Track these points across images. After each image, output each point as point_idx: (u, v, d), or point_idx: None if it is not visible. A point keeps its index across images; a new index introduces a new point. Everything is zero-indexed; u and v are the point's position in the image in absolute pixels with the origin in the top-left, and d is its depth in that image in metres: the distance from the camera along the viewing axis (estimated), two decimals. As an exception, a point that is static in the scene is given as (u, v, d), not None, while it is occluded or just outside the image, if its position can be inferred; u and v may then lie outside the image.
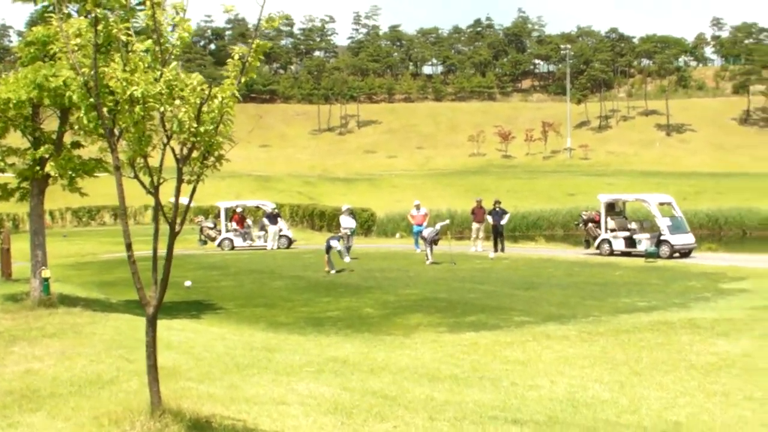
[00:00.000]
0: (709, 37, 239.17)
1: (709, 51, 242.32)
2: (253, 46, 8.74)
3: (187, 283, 28.32)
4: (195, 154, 9.00)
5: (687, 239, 36.69)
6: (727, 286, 26.33)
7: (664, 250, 35.32)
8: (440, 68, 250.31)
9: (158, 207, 9.44)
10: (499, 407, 11.97)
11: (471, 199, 48.32)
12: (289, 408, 11.23)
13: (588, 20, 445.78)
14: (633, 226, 38.17)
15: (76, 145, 20.12)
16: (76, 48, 8.76)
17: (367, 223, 57.21)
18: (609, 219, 38.28)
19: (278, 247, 44.82)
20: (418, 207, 42.49)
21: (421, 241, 39.13)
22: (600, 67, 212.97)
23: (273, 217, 46.53)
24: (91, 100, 8.59)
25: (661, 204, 38.07)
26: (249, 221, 48.49)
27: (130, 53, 8.60)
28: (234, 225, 47.08)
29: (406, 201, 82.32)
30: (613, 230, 38.05)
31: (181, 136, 8.80)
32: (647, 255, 34.68)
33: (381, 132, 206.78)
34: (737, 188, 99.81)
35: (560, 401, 12.42)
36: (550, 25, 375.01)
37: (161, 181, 9.26)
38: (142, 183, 9.30)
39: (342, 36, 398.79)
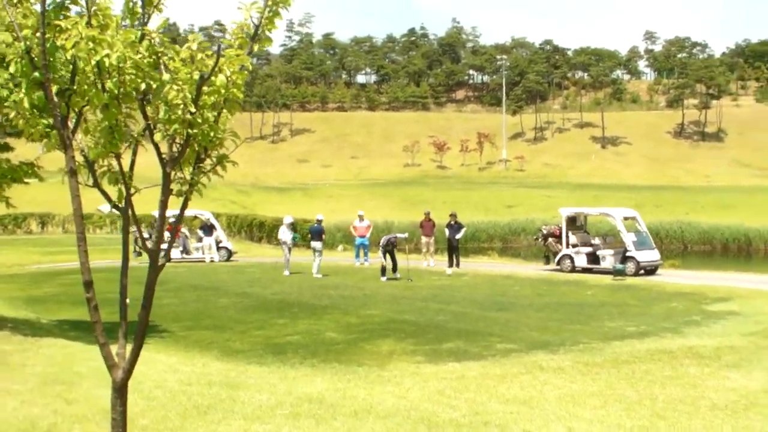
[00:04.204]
0: (642, 51, 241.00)
1: (642, 64, 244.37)
2: (269, 2, 6.44)
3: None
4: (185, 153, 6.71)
5: (653, 256, 35.15)
6: (712, 309, 24.77)
7: (630, 267, 33.68)
8: (374, 77, 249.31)
9: (127, 227, 7.23)
10: (522, 466, 9.92)
11: (407, 211, 46.79)
12: (275, 476, 9.06)
13: (522, 32, 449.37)
14: (596, 241, 36.52)
15: (5, 147, 17.63)
16: (14, 0, 6.40)
17: (308, 235, 54.86)
18: (570, 234, 36.54)
19: (218, 260, 42.62)
20: (361, 218, 40.64)
21: (372, 252, 37.47)
22: (535, 78, 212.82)
23: (208, 228, 44.37)
24: (36, 74, 6.20)
25: (626, 218, 36.47)
26: (185, 231, 46.16)
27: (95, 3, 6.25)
28: (168, 235, 44.81)
29: (342, 211, 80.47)
30: (575, 245, 36.32)
31: (171, 127, 6.46)
32: (615, 272, 32.97)
33: (314, 141, 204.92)
34: (674, 201, 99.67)
35: (588, 456, 10.40)
36: (485, 36, 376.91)
37: (132, 191, 7.05)
38: (105, 194, 7.02)
39: (275, 43, 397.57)
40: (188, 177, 6.77)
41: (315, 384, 14.87)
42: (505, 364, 16.70)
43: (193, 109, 6.25)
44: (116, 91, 6.13)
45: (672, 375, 15.45)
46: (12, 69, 6.09)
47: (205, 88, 6.28)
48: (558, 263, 36.37)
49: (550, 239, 37.34)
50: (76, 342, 18.67)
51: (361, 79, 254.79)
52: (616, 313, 23.90)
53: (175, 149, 6.61)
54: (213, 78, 6.22)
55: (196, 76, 6.28)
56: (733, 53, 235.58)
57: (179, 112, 6.25)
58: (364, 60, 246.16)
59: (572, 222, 37.32)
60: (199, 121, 6.30)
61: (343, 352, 18.40)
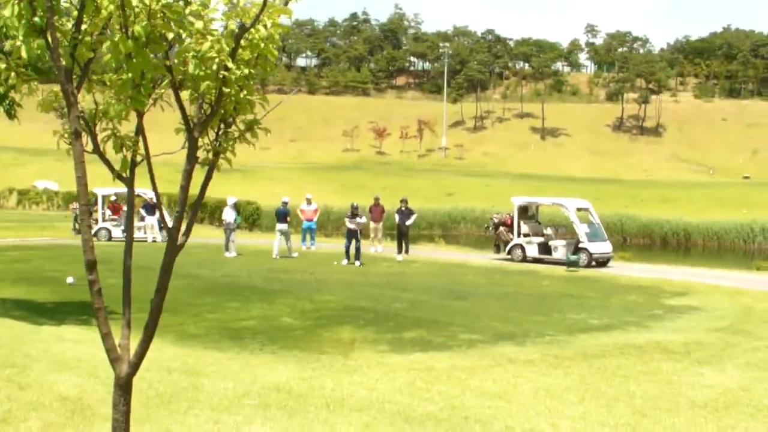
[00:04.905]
0: (583, 44, 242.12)
1: (583, 57, 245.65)
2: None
3: (70, 280, 24.95)
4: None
5: (605, 247, 34.90)
6: (672, 303, 24.55)
7: (583, 258, 33.37)
8: (314, 61, 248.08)
9: (132, 201, 6.48)
10: (513, 466, 9.36)
11: (347, 195, 46.25)
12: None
13: (465, 20, 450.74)
14: (548, 231, 36.14)
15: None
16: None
17: (252, 217, 54.06)
18: (522, 223, 36.14)
19: (161, 240, 41.67)
20: (309, 201, 39.88)
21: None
22: (476, 67, 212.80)
23: (151, 207, 43.44)
24: (37, 19, 5.29)
25: (579, 209, 36.16)
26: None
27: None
28: (110, 214, 43.93)
29: (282, 195, 79.39)
30: (526, 235, 35.94)
31: (203, 84, 5.69)
32: (569, 263, 32.64)
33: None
34: (614, 194, 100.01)
35: (578, 455, 9.88)
36: (427, 23, 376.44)
37: (139, 160, 6.30)
38: (107, 162, 6.23)
39: (215, 23, 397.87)
40: (214, 144, 6.03)
41: (279, 372, 14.22)
42: (472, 356, 16.18)
43: (230, 64, 5.48)
44: (144, 38, 5.33)
45: (644, 370, 15.03)
46: (6, 12, 5.26)
47: (242, 41, 5.52)
48: (509, 252, 36.00)
49: (501, 228, 36.90)
50: (21, 322, 17.86)
51: (301, 62, 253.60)
52: (577, 305, 23.54)
53: (204, 111, 5.85)
54: (252, 30, 5.46)
55: (232, 25, 5.51)
56: (673, 49, 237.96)
57: (214, 66, 5.47)
58: (305, 43, 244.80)
59: (524, 211, 36.98)
60: (233, 78, 5.52)
61: (302, 339, 17.75)
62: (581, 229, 34.28)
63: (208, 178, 6.18)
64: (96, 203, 44.54)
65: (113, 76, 5.60)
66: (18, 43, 5.38)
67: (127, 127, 6.18)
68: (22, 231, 45.08)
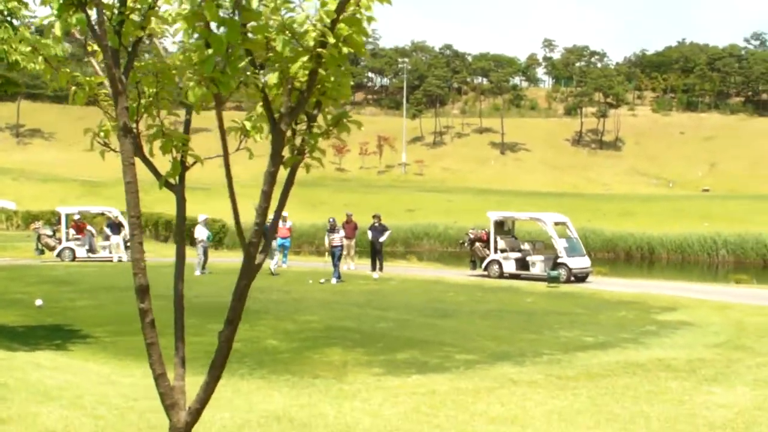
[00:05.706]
0: (540, 58, 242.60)
1: (540, 72, 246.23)
2: None
3: (38, 302, 24.01)
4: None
5: (584, 262, 34.44)
6: (663, 318, 24.19)
7: (562, 273, 32.77)
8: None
9: (183, 211, 5.69)
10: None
11: (308, 212, 45.65)
12: None
13: (422, 35, 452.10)
14: (526, 247, 35.57)
15: None
16: None
17: (218, 235, 53.18)
18: (499, 239, 35.55)
19: (127, 259, 40.69)
20: (284, 219, 38.98)
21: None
22: (435, 82, 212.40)
23: (115, 227, 42.53)
24: None
25: (556, 224, 35.65)
26: (92, 229, 44.18)
27: None
28: (74, 233, 42.88)
29: (243, 212, 78.13)
30: (503, 251, 35.34)
31: (295, 65, 4.87)
32: (550, 279, 32.06)
33: (211, 139, 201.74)
34: (575, 208, 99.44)
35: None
36: (385, 39, 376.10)
37: (189, 163, 5.52)
38: (151, 166, 5.46)
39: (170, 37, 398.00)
40: (296, 141, 5.19)
41: (274, 399, 13.47)
42: (473, 378, 15.49)
43: (331, 39, 4.66)
44: (233, 4, 4.49)
45: (654, 390, 14.47)
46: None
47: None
48: (485, 268, 35.44)
49: (477, 244, 36.32)
50: (11, 351, 16.92)
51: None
52: (567, 322, 23.04)
53: (293, 98, 4.99)
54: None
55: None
56: (630, 63, 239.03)
57: (310, 42, 4.64)
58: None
59: (500, 226, 36.41)
60: (329, 55, 4.67)
61: (291, 362, 16.96)
62: (560, 244, 33.80)
63: (289, 182, 5.31)
64: (59, 222, 43.61)
65: (184, 55, 4.80)
66: (53, 18, 4.59)
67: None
68: (-18, 252, 44.18)
